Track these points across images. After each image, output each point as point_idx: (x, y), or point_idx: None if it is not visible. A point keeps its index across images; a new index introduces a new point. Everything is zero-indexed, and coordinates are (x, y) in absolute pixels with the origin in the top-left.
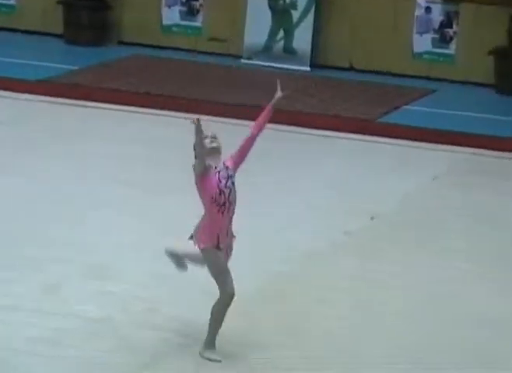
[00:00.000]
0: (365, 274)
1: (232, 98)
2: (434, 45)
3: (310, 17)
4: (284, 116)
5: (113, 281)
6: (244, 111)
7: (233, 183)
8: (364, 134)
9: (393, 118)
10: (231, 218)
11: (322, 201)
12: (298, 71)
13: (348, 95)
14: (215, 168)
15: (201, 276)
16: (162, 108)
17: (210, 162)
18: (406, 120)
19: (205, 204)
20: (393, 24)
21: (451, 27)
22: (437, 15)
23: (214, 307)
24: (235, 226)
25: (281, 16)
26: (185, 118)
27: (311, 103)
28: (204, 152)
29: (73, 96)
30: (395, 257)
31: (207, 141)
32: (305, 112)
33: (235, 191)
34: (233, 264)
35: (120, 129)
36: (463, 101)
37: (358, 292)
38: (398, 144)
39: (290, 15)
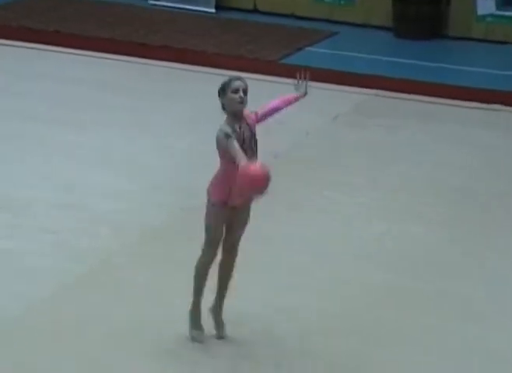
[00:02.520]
0: (267, 208)
1: (137, 37)
2: None
3: None
4: (189, 57)
5: (20, 213)
6: (148, 50)
7: (255, 142)
8: (267, 74)
9: (296, 59)
10: None
11: None
12: (203, 12)
13: (253, 37)
14: (240, 128)
15: (106, 209)
16: (71, 46)
17: (235, 124)
18: (308, 61)
19: (222, 158)
20: None
21: None
22: None
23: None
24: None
25: None
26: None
27: (216, 44)
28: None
29: None
30: (297, 193)
31: (236, 97)
32: (210, 52)
33: (257, 150)
34: (132, 198)
35: (30, 66)
36: (363, 43)
37: (260, 226)
38: None
39: None
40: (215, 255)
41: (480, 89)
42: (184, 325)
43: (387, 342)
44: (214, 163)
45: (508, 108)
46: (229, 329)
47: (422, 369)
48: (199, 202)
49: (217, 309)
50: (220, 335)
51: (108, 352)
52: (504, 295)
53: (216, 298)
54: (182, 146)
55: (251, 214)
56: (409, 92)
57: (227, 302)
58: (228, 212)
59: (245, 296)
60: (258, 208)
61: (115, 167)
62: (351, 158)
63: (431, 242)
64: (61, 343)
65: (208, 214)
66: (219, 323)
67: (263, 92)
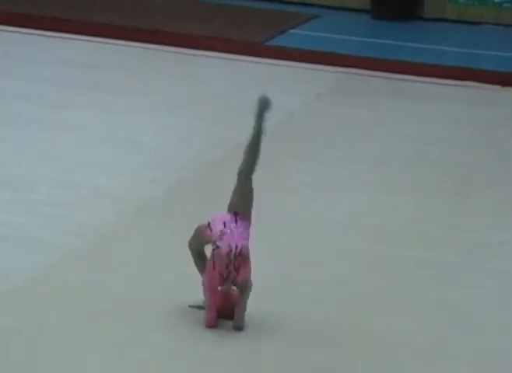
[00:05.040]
0: (257, 181)
1: (130, 22)
2: None
3: None
4: (178, 39)
5: (22, 189)
6: (141, 34)
7: None
8: (253, 55)
9: (279, 41)
10: None
11: (215, 116)
12: None
13: (239, 21)
14: None
15: (104, 184)
16: (69, 31)
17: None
18: (291, 42)
19: None
20: None
21: None
22: None
23: None
24: None
25: None
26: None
27: (205, 28)
28: None
29: None
30: (281, 168)
31: None
32: (199, 35)
33: None
34: (131, 174)
35: (30, 50)
36: (342, 25)
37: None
38: (283, 64)
39: None
40: None
41: (453, 67)
42: (179, 297)
43: (375, 311)
44: (208, 141)
45: (480, 84)
46: None
47: (408, 334)
48: (194, 177)
49: None
50: None
51: (106, 323)
52: (481, 263)
53: None
54: (176, 125)
55: None
56: (386, 71)
57: None
58: None
59: None
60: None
61: (113, 145)
62: (334, 134)
63: (413, 213)
64: (60, 313)
65: None
66: None
67: (248, 71)
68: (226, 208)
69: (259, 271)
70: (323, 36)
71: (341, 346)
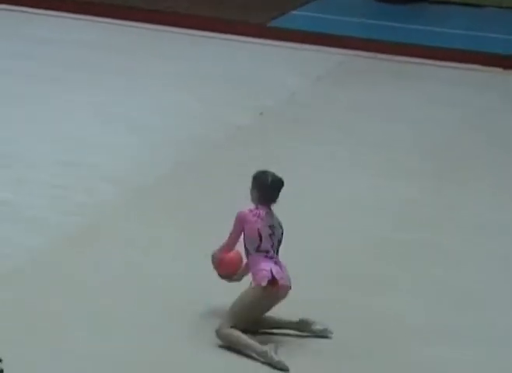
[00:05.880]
0: (251, 162)
1: (132, 2)
2: None
3: None
4: (182, 20)
5: (24, 169)
6: (141, 14)
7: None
8: (256, 36)
9: (282, 22)
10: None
11: (215, 96)
12: None
13: (242, 2)
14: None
15: (105, 165)
16: (68, 11)
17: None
18: (293, 24)
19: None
20: None
21: None
22: None
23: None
24: None
25: None
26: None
27: (207, 9)
28: None
29: None
30: (280, 147)
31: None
32: (203, 17)
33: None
34: (130, 155)
35: (31, 30)
36: (345, 7)
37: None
38: (285, 46)
39: None
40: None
41: (456, 50)
42: (177, 275)
43: (375, 290)
44: (208, 123)
45: (483, 67)
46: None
47: (409, 312)
48: (193, 159)
49: None
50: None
51: (107, 300)
52: (481, 245)
53: None
54: (176, 105)
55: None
56: (389, 53)
57: None
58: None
59: None
60: (243, 161)
61: (113, 126)
62: (335, 116)
63: (413, 195)
64: (61, 291)
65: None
66: None
67: (250, 53)
68: (224, 191)
69: None
70: (325, 18)
71: (342, 324)
